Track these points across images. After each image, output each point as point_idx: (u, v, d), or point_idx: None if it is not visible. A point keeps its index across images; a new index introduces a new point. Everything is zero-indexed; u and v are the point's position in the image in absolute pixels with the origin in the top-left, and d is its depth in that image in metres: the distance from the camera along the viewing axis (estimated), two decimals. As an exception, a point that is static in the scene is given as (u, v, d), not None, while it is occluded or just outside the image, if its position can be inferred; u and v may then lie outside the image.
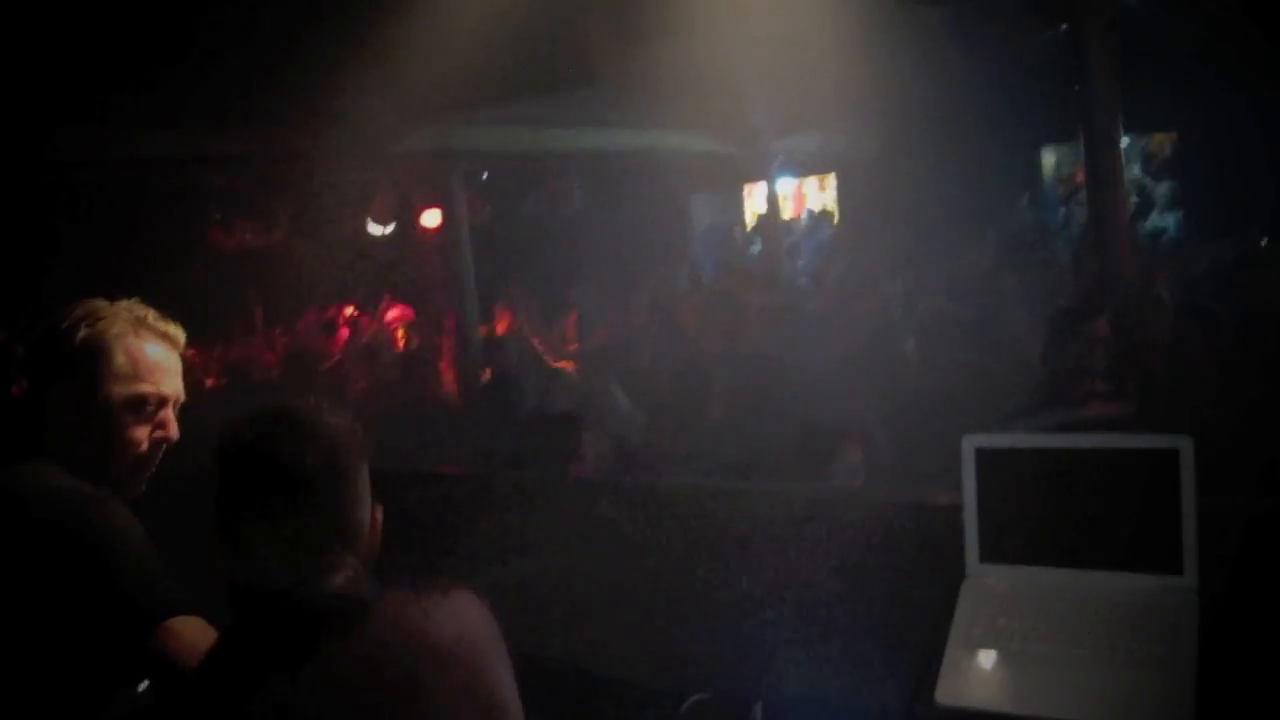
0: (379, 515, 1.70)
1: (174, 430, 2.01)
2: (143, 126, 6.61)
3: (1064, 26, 6.95)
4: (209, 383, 7.64)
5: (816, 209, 16.30)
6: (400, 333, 9.45)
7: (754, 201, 15.50)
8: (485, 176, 11.40)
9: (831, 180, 15.38)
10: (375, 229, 11.92)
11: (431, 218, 10.10)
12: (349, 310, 9.84)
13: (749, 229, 15.45)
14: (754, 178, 13.71)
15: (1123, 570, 1.94)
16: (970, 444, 2.03)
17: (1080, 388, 4.39)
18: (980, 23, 8.86)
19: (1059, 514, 1.98)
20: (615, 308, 9.01)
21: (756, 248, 13.73)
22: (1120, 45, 7.95)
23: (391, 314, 9.94)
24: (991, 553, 2.03)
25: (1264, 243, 9.02)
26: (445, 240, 8.24)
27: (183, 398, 2.04)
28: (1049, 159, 13.76)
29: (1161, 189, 13.35)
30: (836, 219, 14.75)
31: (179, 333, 2.05)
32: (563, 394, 5.61)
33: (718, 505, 2.51)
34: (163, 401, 2.01)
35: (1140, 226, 11.62)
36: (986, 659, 1.93)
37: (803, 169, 14.50)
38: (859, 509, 2.33)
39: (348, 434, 1.66)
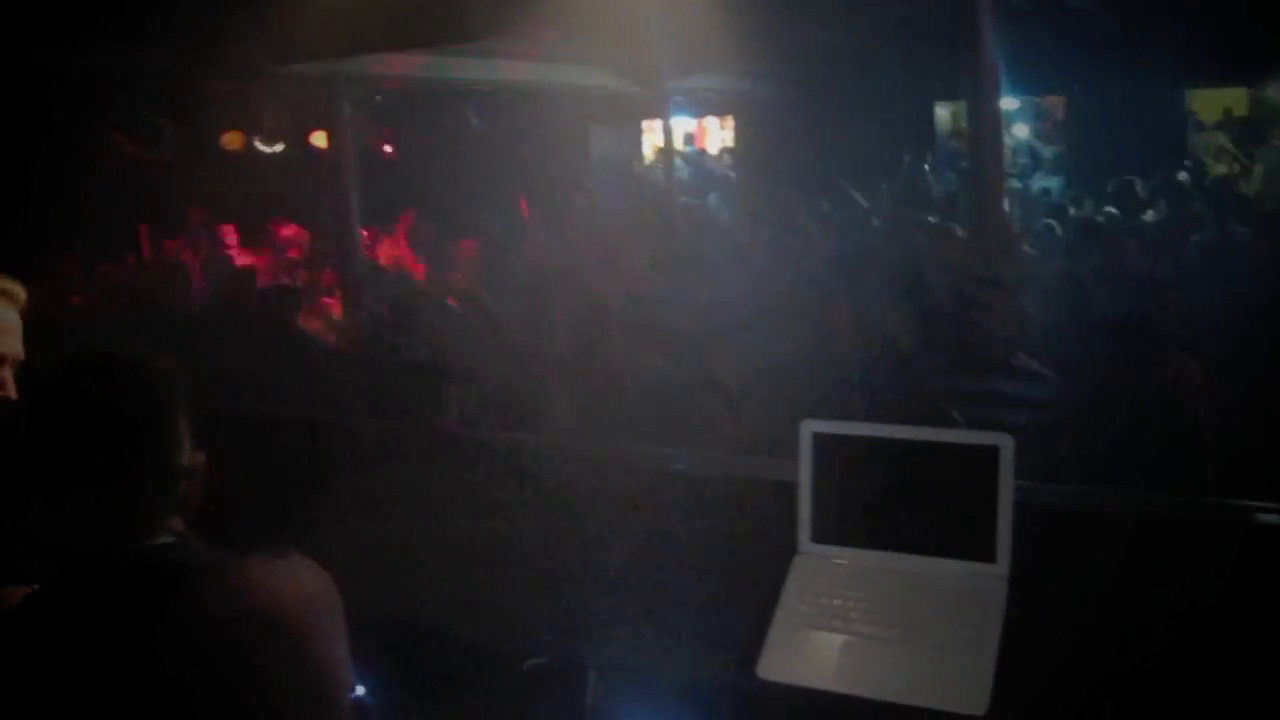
0: (201, 460, 1.61)
1: (11, 389, 1.98)
2: (26, 39, 6.33)
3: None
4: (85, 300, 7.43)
5: (716, 149, 16.39)
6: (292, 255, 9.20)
7: (654, 136, 15.50)
8: (379, 100, 11.19)
9: (731, 121, 15.45)
10: (263, 148, 11.65)
11: (321, 139, 9.89)
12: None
13: (648, 163, 15.48)
14: (653, 115, 13.70)
15: (942, 556, 2.05)
16: (807, 428, 2.11)
17: (992, 357, 4.48)
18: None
19: (888, 500, 2.08)
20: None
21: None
22: (1013, 8, 8.10)
23: (285, 234, 9.72)
24: (822, 533, 2.13)
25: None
26: (332, 164, 8.04)
27: (21, 356, 2.00)
28: (943, 115, 13.98)
29: (1049, 151, 13.70)
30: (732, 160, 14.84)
31: (19, 290, 2.00)
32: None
33: (569, 466, 2.56)
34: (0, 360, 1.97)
35: (1026, 187, 11.91)
36: (811, 636, 2.03)
37: (702, 109, 14.52)
38: (701, 480, 2.41)
39: (166, 376, 1.59)
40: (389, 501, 2.59)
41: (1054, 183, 12.39)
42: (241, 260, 8.40)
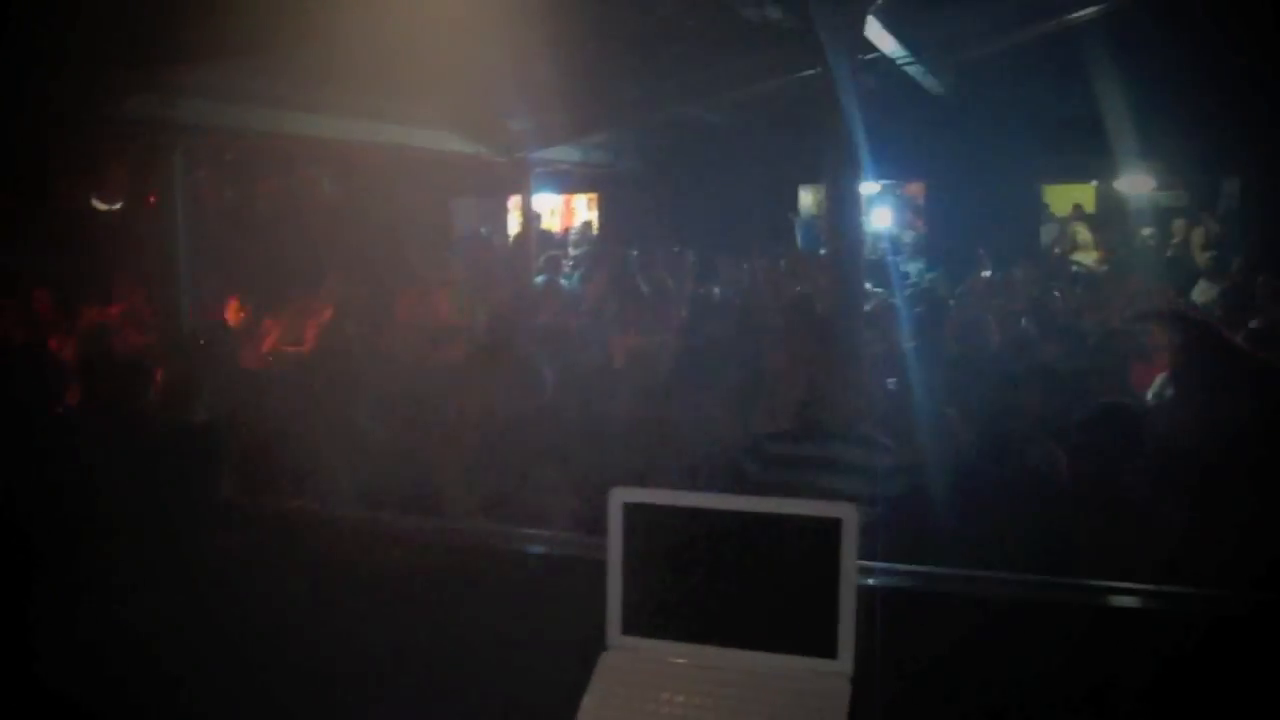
0: None
1: None
2: None
3: (819, 69, 6.96)
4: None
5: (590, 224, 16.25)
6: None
7: (521, 213, 15.29)
8: (228, 159, 10.72)
9: (596, 198, 15.35)
10: (101, 205, 11.04)
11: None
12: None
13: (512, 240, 15.21)
14: (517, 189, 13.50)
15: (776, 651, 1.72)
16: (619, 498, 1.77)
17: (833, 425, 4.32)
18: (748, 53, 8.88)
19: (711, 584, 1.74)
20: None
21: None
22: (868, 93, 8.11)
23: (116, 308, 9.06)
24: (635, 624, 1.78)
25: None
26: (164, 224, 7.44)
27: None
28: (806, 198, 14.06)
29: (909, 236, 13.87)
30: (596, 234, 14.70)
31: None
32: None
33: (360, 543, 2.19)
34: None
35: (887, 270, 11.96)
36: (615, 749, 1.67)
37: (564, 185, 14.36)
38: (506, 558, 2.06)
39: None
40: (138, 579, 2.18)
41: (914, 267, 12.50)
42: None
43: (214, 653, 2.06)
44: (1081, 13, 8.39)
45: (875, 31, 7.56)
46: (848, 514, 1.66)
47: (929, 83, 10.31)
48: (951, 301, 7.98)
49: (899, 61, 8.86)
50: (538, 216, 15.12)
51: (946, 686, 1.70)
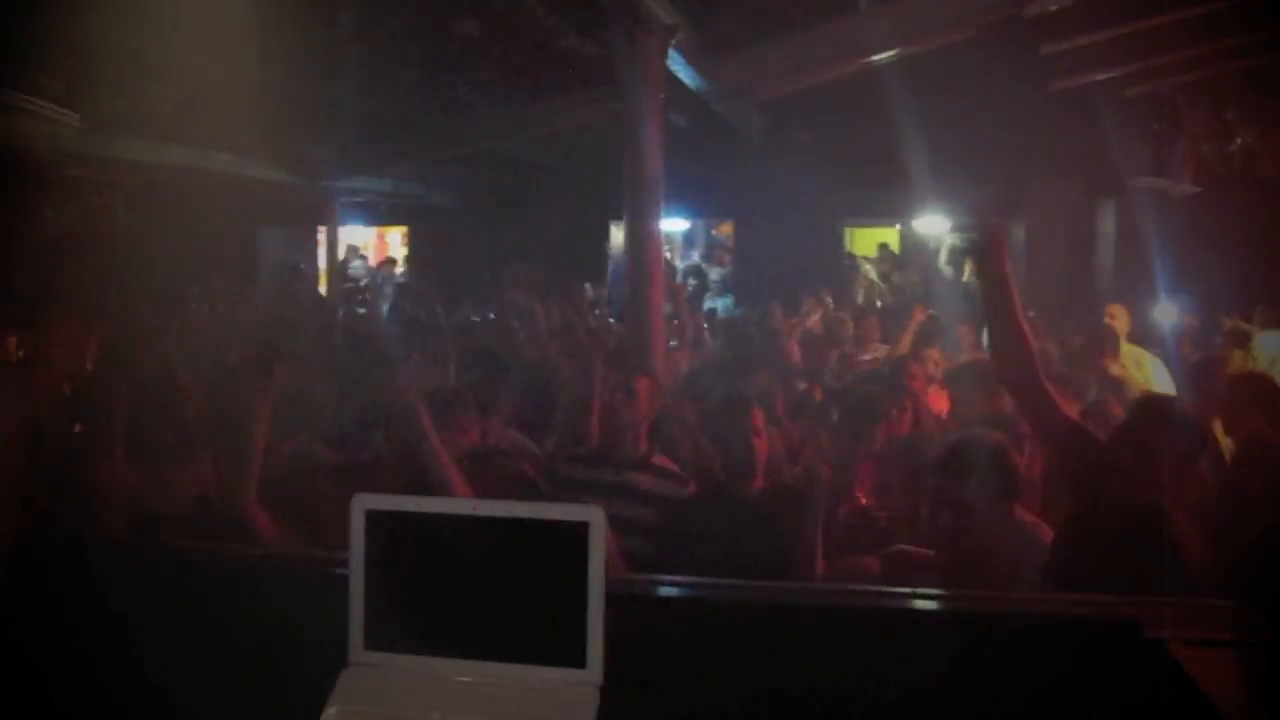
0: None
1: None
2: None
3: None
4: None
5: (399, 258, 15.98)
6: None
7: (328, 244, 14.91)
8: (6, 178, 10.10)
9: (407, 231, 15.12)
10: None
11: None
12: None
13: (323, 272, 14.84)
14: (323, 219, 13.19)
15: (524, 662, 1.65)
16: (360, 504, 1.68)
17: (630, 453, 4.31)
18: (557, 84, 8.86)
19: (457, 594, 1.67)
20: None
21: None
22: (678, 131, 8.19)
23: None
24: (378, 639, 1.69)
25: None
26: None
27: None
28: (619, 236, 14.16)
29: (716, 273, 14.10)
30: (402, 269, 14.44)
31: None
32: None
33: (95, 566, 2.04)
34: None
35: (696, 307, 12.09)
36: (351, 772, 1.58)
37: (374, 217, 14.08)
38: (246, 576, 1.94)
39: None
40: None
41: (720, 303, 12.69)
42: None
43: None
44: (880, 57, 8.67)
45: (680, 66, 7.64)
46: (595, 517, 1.62)
47: (738, 121, 10.51)
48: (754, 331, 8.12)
49: (706, 99, 8.98)
50: (353, 249, 14.81)
51: (697, 694, 1.66)
